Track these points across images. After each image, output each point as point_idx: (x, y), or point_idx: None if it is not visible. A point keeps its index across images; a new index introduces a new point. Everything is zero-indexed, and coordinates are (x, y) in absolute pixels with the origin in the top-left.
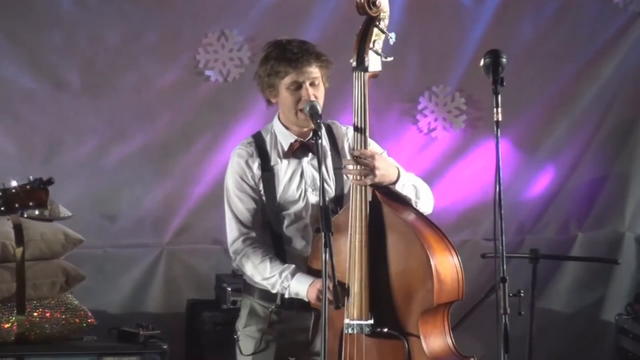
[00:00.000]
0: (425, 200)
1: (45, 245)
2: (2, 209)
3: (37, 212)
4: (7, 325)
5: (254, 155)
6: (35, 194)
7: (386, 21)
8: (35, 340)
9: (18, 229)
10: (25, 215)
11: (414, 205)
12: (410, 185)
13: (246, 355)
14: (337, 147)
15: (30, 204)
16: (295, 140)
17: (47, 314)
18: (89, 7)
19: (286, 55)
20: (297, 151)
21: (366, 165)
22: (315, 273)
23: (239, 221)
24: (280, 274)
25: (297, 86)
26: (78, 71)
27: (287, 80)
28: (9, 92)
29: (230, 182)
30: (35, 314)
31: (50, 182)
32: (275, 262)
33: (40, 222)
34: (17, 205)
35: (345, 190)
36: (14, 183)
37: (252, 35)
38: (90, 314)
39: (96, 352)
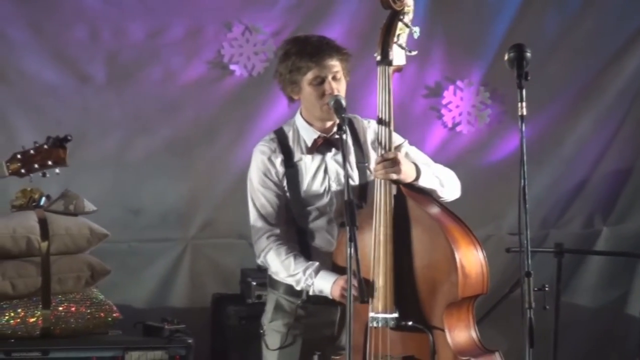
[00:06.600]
0: (450, 187)
1: (70, 240)
2: (23, 171)
3: (57, 171)
4: (32, 320)
5: (277, 151)
6: (54, 152)
7: (410, 15)
8: (60, 334)
9: (43, 224)
10: (48, 175)
11: (439, 193)
12: (432, 177)
13: (272, 350)
14: (359, 141)
15: (49, 162)
16: (319, 136)
17: (73, 309)
18: (113, 1)
19: (307, 50)
20: (320, 147)
21: (392, 162)
22: (340, 268)
23: (264, 218)
24: (304, 271)
25: (320, 81)
26: (102, 65)
27: (309, 75)
28: (34, 86)
29: (254, 179)
30: (60, 308)
31: (66, 139)
32: (299, 259)
33: (65, 217)
34: (36, 165)
35: (369, 185)
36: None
37: (277, 29)
38: (115, 308)
39: (121, 346)
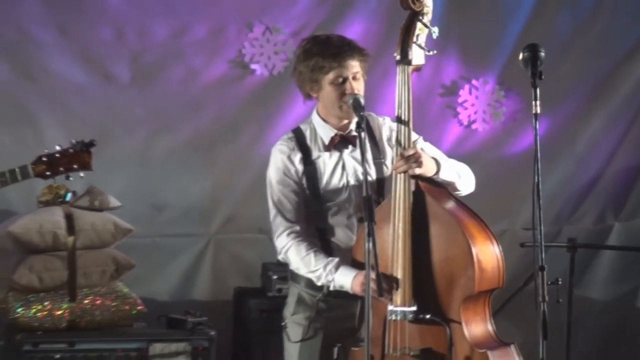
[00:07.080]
0: (466, 179)
1: (95, 235)
2: (48, 173)
3: (81, 174)
4: (58, 313)
5: (295, 149)
6: (79, 157)
7: (429, 15)
8: (85, 327)
9: (69, 219)
10: (71, 178)
11: (457, 185)
12: (451, 170)
13: (294, 342)
14: (375, 138)
15: (75, 166)
16: (336, 134)
17: (98, 302)
18: (137, 1)
19: (330, 50)
20: (337, 144)
21: (414, 157)
22: (359, 264)
23: (283, 216)
24: (325, 267)
25: (342, 81)
26: (126, 64)
27: (331, 75)
28: (60, 85)
29: (273, 178)
30: (86, 301)
31: (92, 144)
32: (319, 255)
33: (91, 212)
34: (62, 169)
35: (386, 181)
36: (57, 148)
37: (296, 29)
38: (139, 301)
39: (145, 338)
